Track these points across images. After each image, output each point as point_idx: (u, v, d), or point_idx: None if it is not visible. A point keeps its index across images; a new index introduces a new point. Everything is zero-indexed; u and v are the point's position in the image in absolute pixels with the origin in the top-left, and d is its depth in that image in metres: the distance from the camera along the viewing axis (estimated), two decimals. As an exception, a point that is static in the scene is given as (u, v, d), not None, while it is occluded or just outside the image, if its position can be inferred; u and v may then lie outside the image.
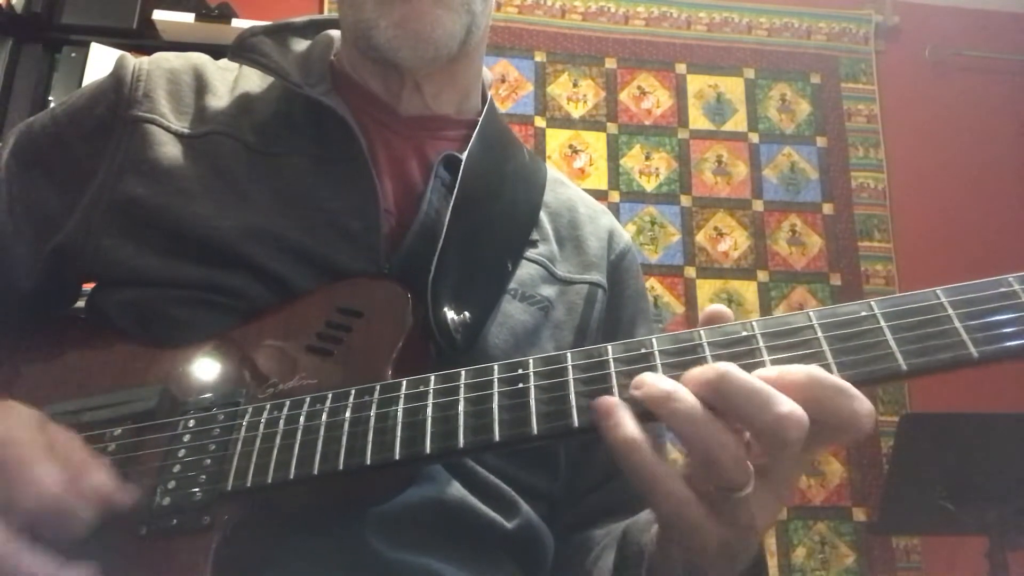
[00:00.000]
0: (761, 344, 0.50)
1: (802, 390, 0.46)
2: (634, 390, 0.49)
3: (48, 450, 0.54)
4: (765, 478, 0.48)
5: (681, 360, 0.51)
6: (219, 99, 0.81)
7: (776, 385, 0.46)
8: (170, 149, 0.76)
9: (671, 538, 0.55)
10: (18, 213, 0.78)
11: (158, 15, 2.30)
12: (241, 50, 0.82)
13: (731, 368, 0.47)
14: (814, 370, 0.47)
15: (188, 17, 2.30)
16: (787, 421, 0.45)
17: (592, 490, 0.81)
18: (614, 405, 0.49)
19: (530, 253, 0.82)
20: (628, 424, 0.48)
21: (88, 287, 0.80)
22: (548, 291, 0.80)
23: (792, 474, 0.50)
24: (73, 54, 2.31)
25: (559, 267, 0.83)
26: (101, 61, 2.26)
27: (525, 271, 0.80)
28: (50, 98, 2.26)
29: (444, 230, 0.74)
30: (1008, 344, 0.47)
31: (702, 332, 0.52)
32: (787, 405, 0.45)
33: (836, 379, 0.47)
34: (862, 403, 0.46)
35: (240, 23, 2.27)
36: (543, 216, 0.86)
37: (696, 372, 0.48)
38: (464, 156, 0.79)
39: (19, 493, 0.52)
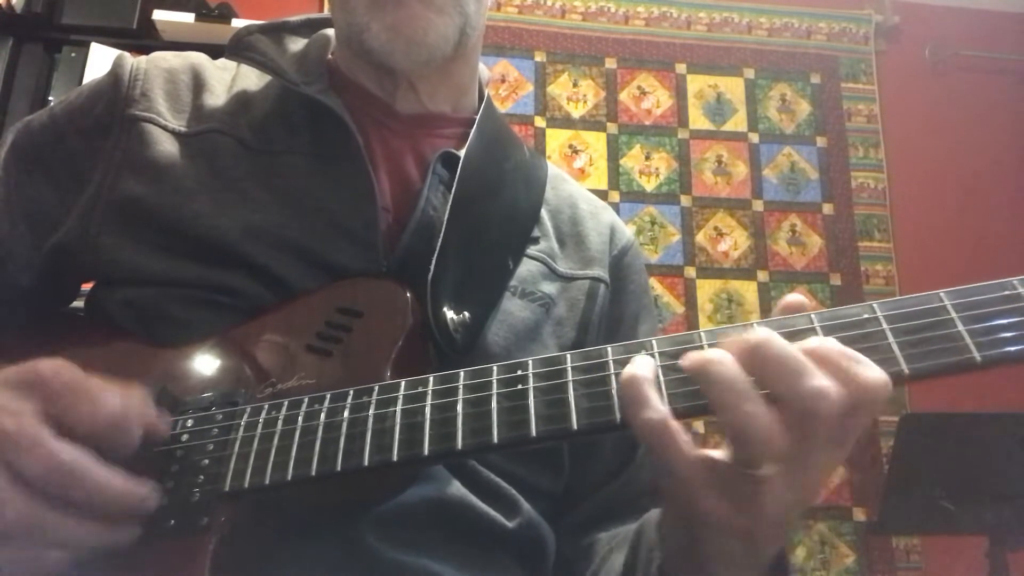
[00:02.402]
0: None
1: (832, 364, 0.46)
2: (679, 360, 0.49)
3: (96, 380, 0.55)
4: (792, 464, 0.47)
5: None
6: (216, 98, 0.81)
7: (813, 357, 0.46)
8: (168, 148, 0.76)
9: (685, 530, 0.53)
10: (15, 211, 0.78)
11: (158, 15, 2.30)
12: (238, 48, 0.82)
13: (771, 335, 0.47)
14: (820, 342, 0.48)
15: (188, 17, 2.30)
16: (819, 394, 0.45)
17: (596, 490, 0.81)
18: (640, 380, 0.48)
19: (531, 250, 0.82)
20: (653, 399, 0.48)
21: (87, 286, 0.80)
22: (549, 288, 0.80)
23: (820, 463, 0.48)
24: (73, 54, 2.31)
25: (560, 264, 0.83)
26: (101, 61, 2.26)
27: (526, 268, 0.80)
28: (50, 98, 2.26)
29: (443, 228, 0.73)
30: (1011, 348, 0.47)
31: (702, 334, 0.52)
32: (821, 379, 0.45)
33: (837, 344, 0.47)
34: (874, 371, 0.46)
35: (240, 23, 2.27)
36: (544, 213, 0.86)
37: (737, 338, 0.48)
38: (462, 153, 0.79)
39: (84, 407, 0.53)
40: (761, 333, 0.47)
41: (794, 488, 0.47)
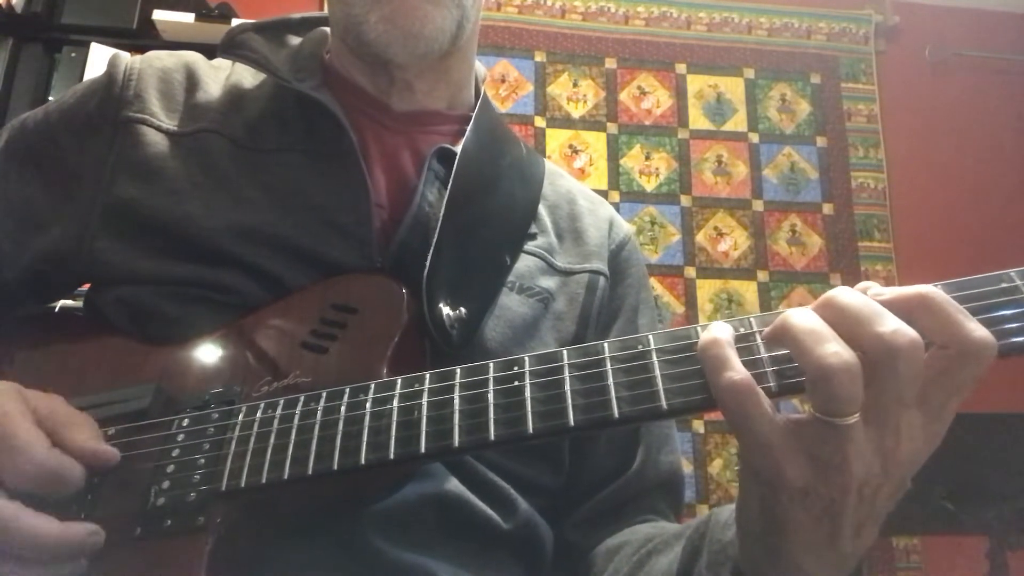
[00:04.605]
0: (759, 341, 0.50)
1: (913, 310, 0.46)
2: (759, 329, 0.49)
3: (28, 415, 0.56)
4: (878, 419, 0.45)
5: (678, 357, 0.51)
6: (210, 97, 0.81)
7: (890, 307, 0.46)
8: (161, 149, 0.76)
9: (767, 516, 0.50)
10: (4, 207, 0.78)
11: (158, 15, 2.30)
12: (230, 46, 0.82)
13: (841, 289, 0.47)
14: (925, 288, 0.47)
15: (188, 17, 2.30)
16: (896, 336, 0.44)
17: (599, 487, 0.80)
18: (721, 343, 0.48)
19: (529, 246, 0.81)
20: (735, 360, 0.47)
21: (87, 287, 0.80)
22: (548, 283, 0.80)
23: (907, 426, 0.46)
24: (73, 54, 2.31)
25: (558, 259, 0.83)
26: (101, 61, 2.26)
27: (524, 264, 0.80)
28: (50, 98, 2.26)
29: (439, 224, 0.73)
30: (1010, 340, 0.47)
31: (699, 329, 0.52)
32: (894, 322, 0.44)
33: (948, 298, 0.46)
34: (978, 327, 0.45)
35: (240, 23, 2.27)
36: (542, 209, 0.86)
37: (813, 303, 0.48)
38: (459, 149, 0.79)
39: (4, 463, 0.53)
40: (830, 292, 0.47)
41: (882, 455, 0.45)
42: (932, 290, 0.47)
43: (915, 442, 0.46)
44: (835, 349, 0.44)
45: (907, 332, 0.44)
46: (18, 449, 0.53)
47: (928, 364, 0.45)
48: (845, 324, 0.46)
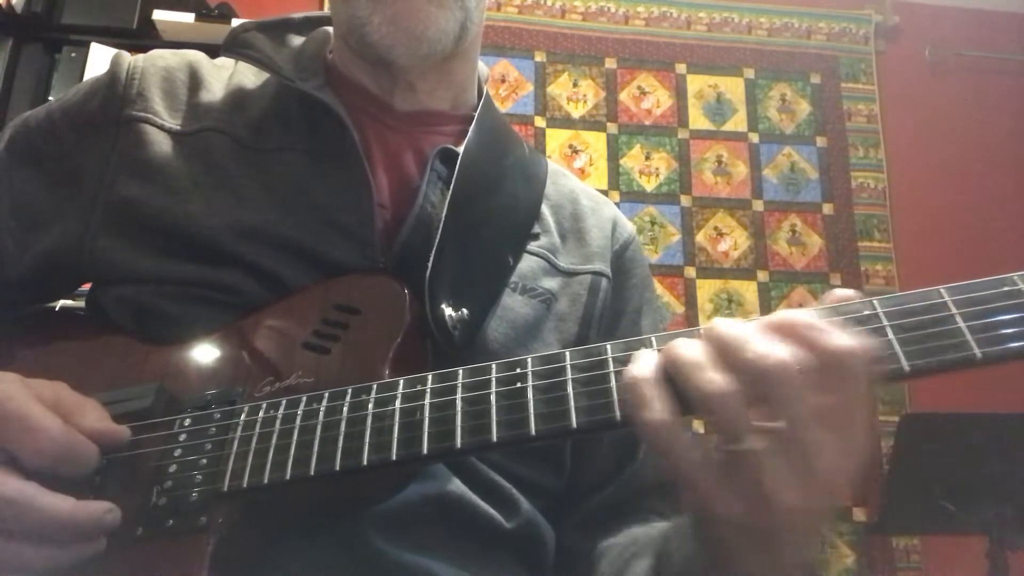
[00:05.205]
0: None
1: (779, 332, 0.47)
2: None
3: (39, 400, 0.56)
4: (782, 442, 0.46)
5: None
6: (213, 96, 0.81)
7: (762, 332, 0.47)
8: (163, 148, 0.76)
9: (714, 542, 0.53)
10: (6, 205, 0.78)
11: (158, 15, 2.30)
12: (233, 45, 0.82)
13: (719, 320, 0.49)
14: (789, 312, 0.48)
15: (188, 17, 2.30)
16: (763, 359, 0.45)
17: (598, 488, 0.80)
18: (640, 381, 0.49)
19: (532, 246, 0.81)
20: (653, 400, 0.48)
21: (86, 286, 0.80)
22: (550, 283, 0.80)
23: (814, 444, 0.46)
24: (73, 54, 2.31)
25: (561, 259, 0.82)
26: (101, 61, 2.26)
27: (526, 264, 0.80)
28: (50, 98, 2.26)
29: (441, 224, 0.73)
30: (1013, 345, 0.46)
31: (701, 331, 0.52)
32: (768, 344, 0.46)
33: (810, 316, 0.48)
34: (839, 336, 0.46)
35: (242, 22, 2.27)
36: (545, 209, 0.86)
37: (721, 323, 0.49)
38: (461, 149, 0.79)
39: (22, 442, 0.54)
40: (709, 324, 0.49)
41: (798, 473, 0.46)
42: (795, 312, 0.49)
43: (830, 460, 0.47)
44: (711, 376, 0.46)
45: (773, 353, 0.46)
46: (34, 428, 0.54)
47: (808, 381, 0.46)
48: (722, 353, 0.47)
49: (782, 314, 0.48)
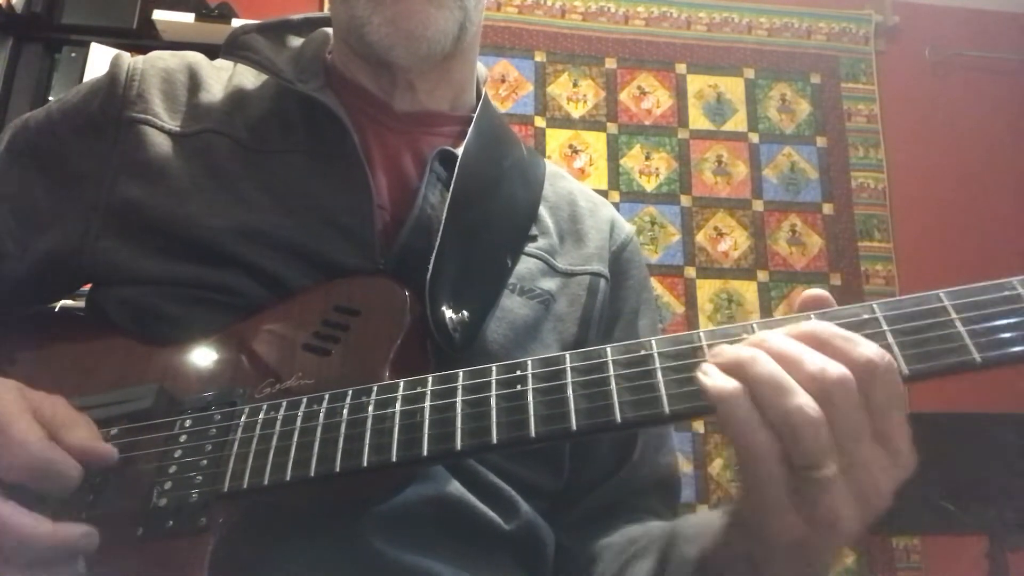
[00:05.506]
0: None
1: (814, 344, 0.46)
2: (713, 359, 0.48)
3: (27, 411, 0.56)
4: (849, 471, 0.45)
5: (681, 363, 0.51)
6: (213, 97, 0.81)
7: (810, 341, 0.46)
8: (163, 149, 0.76)
9: (743, 525, 0.52)
10: (6, 206, 0.78)
11: (158, 15, 2.30)
12: (233, 47, 0.82)
13: (763, 333, 0.47)
14: (809, 324, 0.48)
15: (188, 17, 2.30)
16: (826, 374, 0.44)
17: (594, 487, 0.81)
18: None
19: (530, 247, 0.81)
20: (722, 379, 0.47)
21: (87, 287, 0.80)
22: (549, 284, 0.80)
23: (877, 462, 0.46)
24: (73, 54, 2.31)
25: (560, 260, 0.83)
26: (101, 61, 2.26)
27: (525, 265, 0.80)
28: (50, 98, 2.26)
29: (441, 226, 0.73)
30: (1012, 349, 0.47)
31: (701, 334, 0.52)
32: (820, 360, 0.45)
33: (831, 326, 0.47)
34: (865, 345, 0.46)
35: (240, 23, 2.26)
36: (543, 210, 0.86)
37: (770, 335, 0.48)
38: (460, 151, 0.79)
39: (2, 455, 0.53)
40: (755, 335, 0.47)
41: (860, 494, 0.46)
42: (815, 323, 0.48)
43: (882, 475, 0.46)
44: (801, 402, 0.44)
45: (828, 369, 0.45)
46: (13, 441, 0.53)
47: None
48: (795, 371, 0.45)
49: (804, 325, 0.47)
